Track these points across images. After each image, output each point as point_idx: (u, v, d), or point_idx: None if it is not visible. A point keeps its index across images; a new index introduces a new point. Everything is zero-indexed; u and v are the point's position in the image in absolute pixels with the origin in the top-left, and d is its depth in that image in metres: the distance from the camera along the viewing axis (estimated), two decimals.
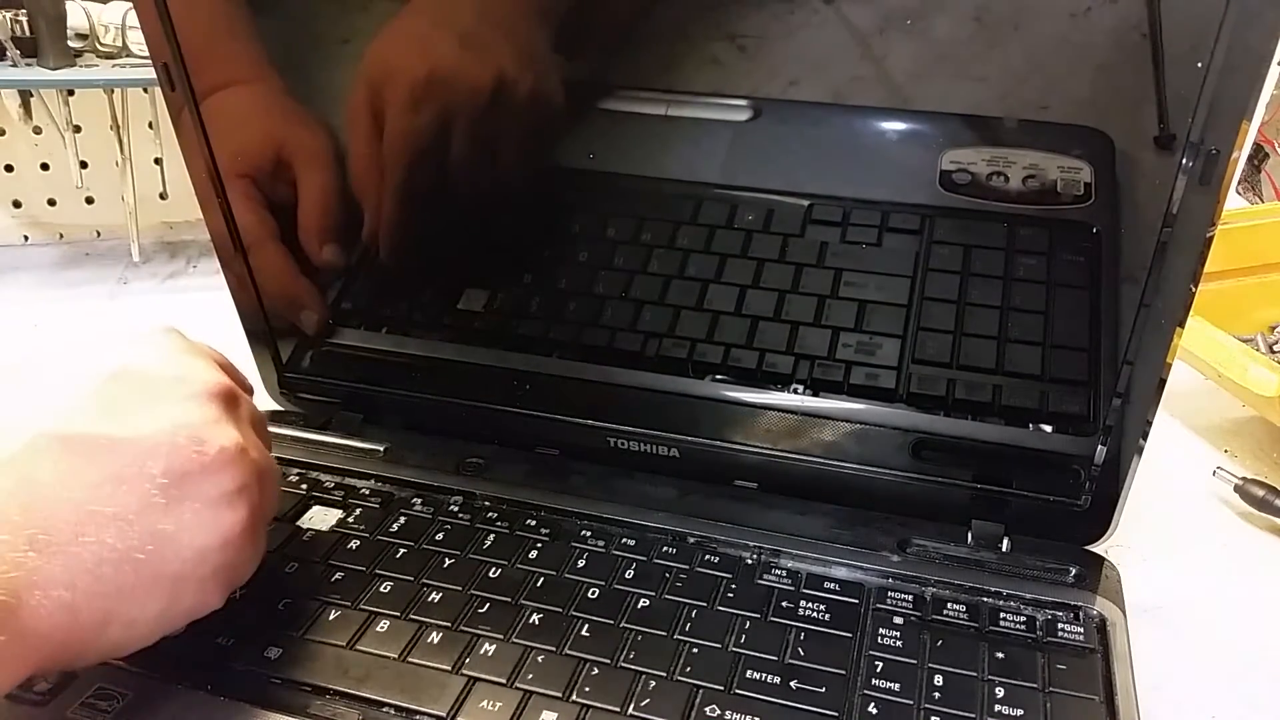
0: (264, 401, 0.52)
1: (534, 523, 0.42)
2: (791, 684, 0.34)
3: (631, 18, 0.40)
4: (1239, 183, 0.87)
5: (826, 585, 0.39)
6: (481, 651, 0.36)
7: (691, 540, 0.42)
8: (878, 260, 0.41)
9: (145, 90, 0.75)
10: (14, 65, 0.67)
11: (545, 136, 0.43)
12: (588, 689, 0.34)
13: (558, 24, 0.41)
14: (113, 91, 0.73)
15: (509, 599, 0.38)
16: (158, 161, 0.80)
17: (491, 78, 0.41)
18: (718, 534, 0.42)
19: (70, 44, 0.68)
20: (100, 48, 0.70)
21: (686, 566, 0.40)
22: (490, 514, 0.43)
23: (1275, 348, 0.61)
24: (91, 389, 0.31)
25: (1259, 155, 0.92)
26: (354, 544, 0.41)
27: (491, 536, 0.42)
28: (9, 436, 0.30)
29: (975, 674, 0.35)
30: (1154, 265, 0.36)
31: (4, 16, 0.66)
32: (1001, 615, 0.38)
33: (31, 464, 0.29)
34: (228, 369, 0.38)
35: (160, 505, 0.31)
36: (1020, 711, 0.33)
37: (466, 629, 0.37)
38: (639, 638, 0.36)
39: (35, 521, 0.28)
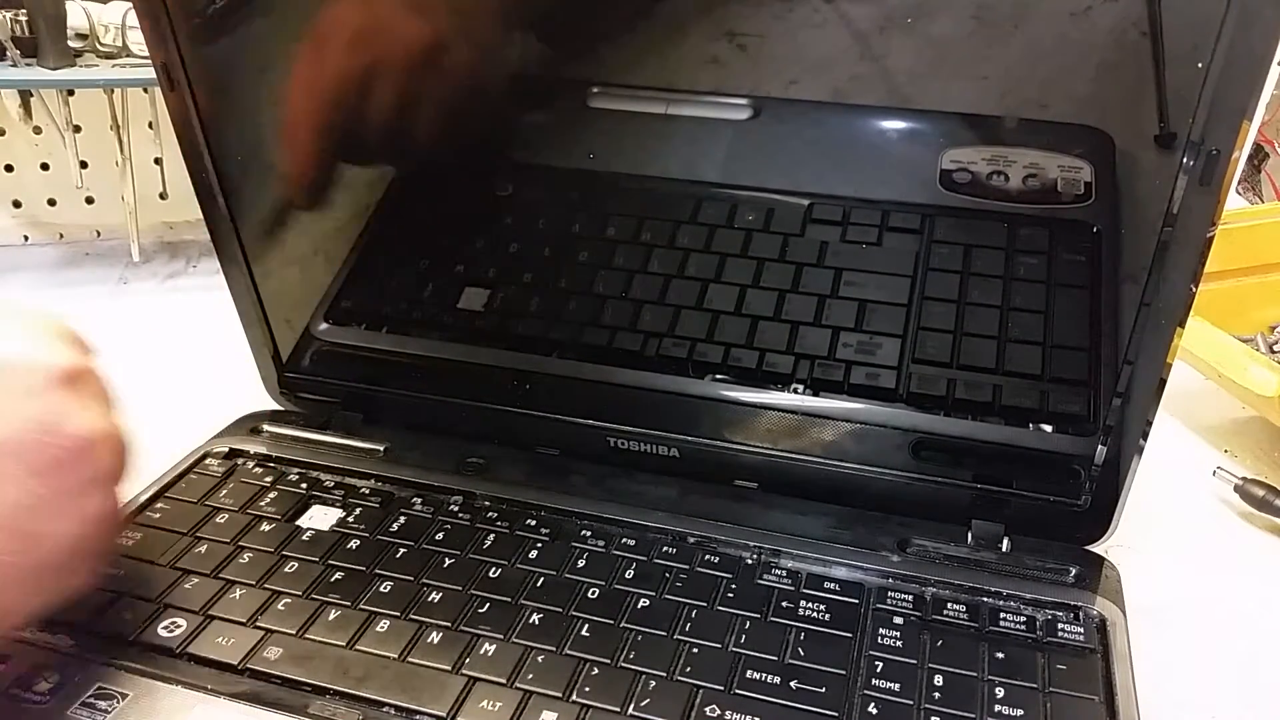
0: (264, 401, 0.52)
1: (534, 523, 0.42)
2: (791, 684, 0.34)
3: (630, 14, 0.40)
4: (1239, 182, 0.87)
5: (826, 585, 0.39)
6: (481, 651, 0.36)
7: (691, 540, 0.42)
8: (878, 260, 0.41)
9: (145, 90, 0.74)
10: (14, 65, 0.67)
11: (463, 109, 0.43)
12: (588, 689, 0.34)
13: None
14: (113, 91, 0.73)
15: (509, 599, 0.38)
16: (158, 161, 0.80)
17: (429, 38, 0.41)
18: (718, 534, 0.42)
19: (70, 44, 0.68)
20: (100, 48, 0.70)
21: (686, 566, 0.40)
22: (490, 514, 0.43)
23: (1275, 348, 0.61)
24: None
25: (1259, 155, 0.92)
26: (354, 544, 0.41)
27: (491, 536, 0.42)
28: None
29: (975, 674, 0.35)
30: (1154, 265, 0.36)
31: (4, 16, 0.66)
32: (1001, 615, 0.38)
33: None
34: (66, 336, 0.36)
35: (29, 506, 0.31)
36: (1020, 711, 0.33)
37: (466, 629, 0.37)
38: (639, 638, 0.36)
39: None
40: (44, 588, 0.32)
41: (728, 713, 0.33)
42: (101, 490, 0.33)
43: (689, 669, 0.35)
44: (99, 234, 0.83)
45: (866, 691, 0.34)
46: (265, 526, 0.42)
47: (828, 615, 0.37)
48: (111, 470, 0.34)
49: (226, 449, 0.48)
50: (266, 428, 0.49)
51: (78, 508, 0.32)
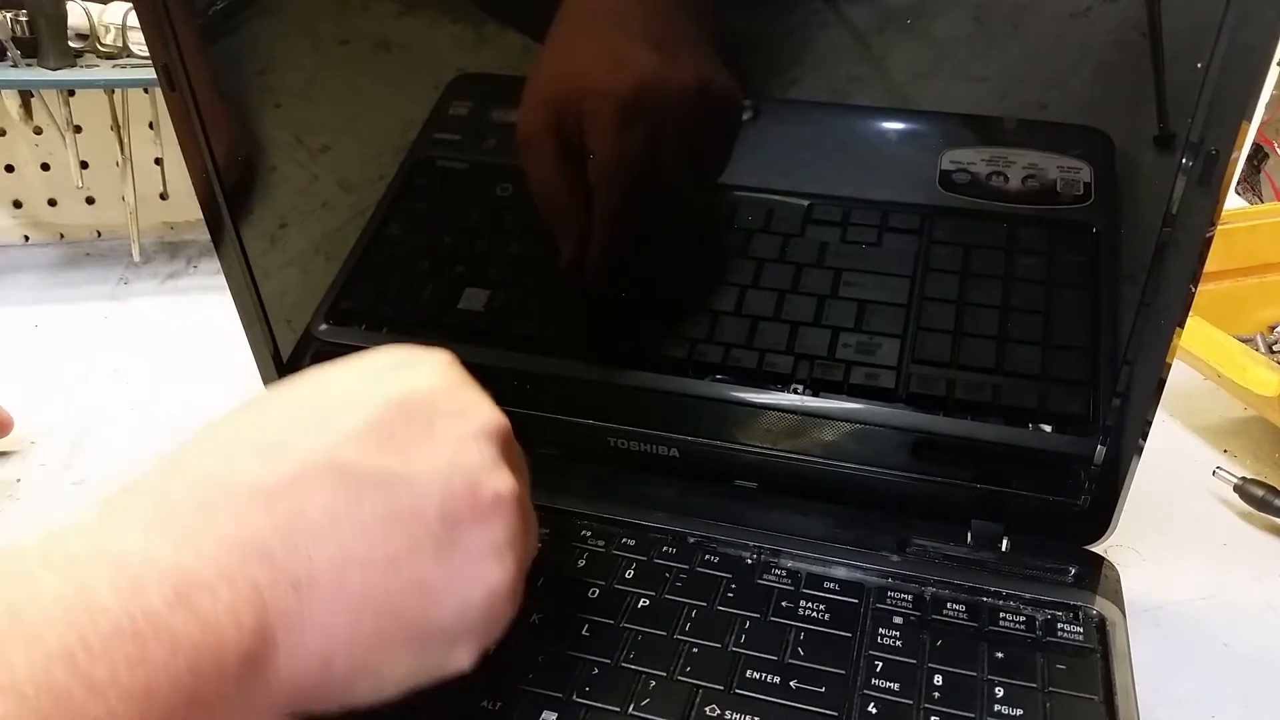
0: None
1: None
2: (791, 684, 0.34)
3: None
4: (1238, 183, 0.87)
5: (826, 585, 0.39)
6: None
7: (691, 540, 0.42)
8: (877, 260, 0.41)
9: (145, 90, 0.74)
10: (14, 65, 0.67)
11: (736, 134, 0.40)
12: (588, 688, 0.34)
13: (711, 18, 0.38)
14: (113, 92, 0.73)
15: None
16: (158, 162, 0.80)
17: (694, 81, 0.38)
18: (718, 534, 0.42)
19: (71, 44, 0.68)
20: (101, 48, 0.70)
21: (686, 566, 0.40)
22: None
23: (1275, 348, 0.61)
24: (371, 415, 0.29)
25: (1259, 155, 0.92)
26: None
27: None
28: (279, 460, 0.28)
29: (975, 674, 0.35)
30: (1153, 265, 0.36)
31: (4, 16, 0.66)
32: (1001, 615, 0.38)
33: (301, 495, 0.27)
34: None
35: (430, 551, 0.28)
36: (1020, 711, 0.33)
37: None
38: (639, 637, 0.36)
39: (299, 561, 0.26)
40: (428, 659, 0.29)
41: (728, 712, 0.33)
42: (508, 561, 0.30)
43: (689, 669, 0.35)
44: (99, 234, 0.83)
45: (866, 691, 0.34)
46: None
47: (827, 615, 0.37)
48: (519, 542, 0.31)
49: None
50: None
51: (481, 571, 0.29)
